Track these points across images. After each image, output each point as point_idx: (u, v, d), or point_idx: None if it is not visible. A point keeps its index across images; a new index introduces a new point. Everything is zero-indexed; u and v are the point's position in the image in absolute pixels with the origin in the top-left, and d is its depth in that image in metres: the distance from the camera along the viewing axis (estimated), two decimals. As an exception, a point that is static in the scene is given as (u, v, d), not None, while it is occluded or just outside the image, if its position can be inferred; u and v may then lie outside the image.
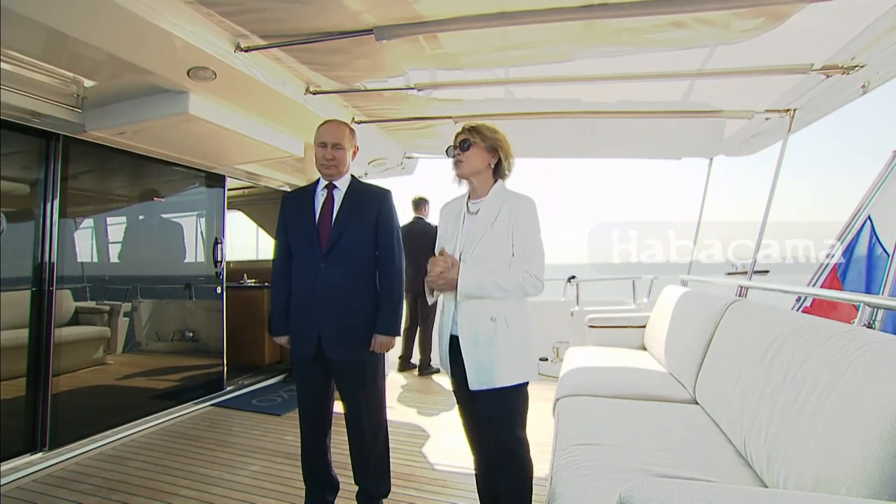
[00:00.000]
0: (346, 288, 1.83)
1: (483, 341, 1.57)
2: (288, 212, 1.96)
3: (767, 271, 3.31)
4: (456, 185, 1.76)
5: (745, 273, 2.95)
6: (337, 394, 1.95)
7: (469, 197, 1.73)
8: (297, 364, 1.93)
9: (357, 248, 1.85)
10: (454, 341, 1.64)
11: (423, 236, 4.19)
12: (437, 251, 1.74)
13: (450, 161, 1.71)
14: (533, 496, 1.61)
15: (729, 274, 3.46)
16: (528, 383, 1.62)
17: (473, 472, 1.83)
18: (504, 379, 1.55)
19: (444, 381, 4.18)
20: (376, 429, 1.93)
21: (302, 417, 1.94)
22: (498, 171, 1.69)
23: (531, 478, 1.61)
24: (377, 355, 1.92)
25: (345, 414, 1.93)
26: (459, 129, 1.70)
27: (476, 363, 1.58)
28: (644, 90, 2.63)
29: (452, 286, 1.57)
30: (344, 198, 1.90)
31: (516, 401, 1.60)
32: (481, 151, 1.65)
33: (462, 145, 1.65)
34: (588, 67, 2.34)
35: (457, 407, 1.79)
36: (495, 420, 1.59)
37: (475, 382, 1.57)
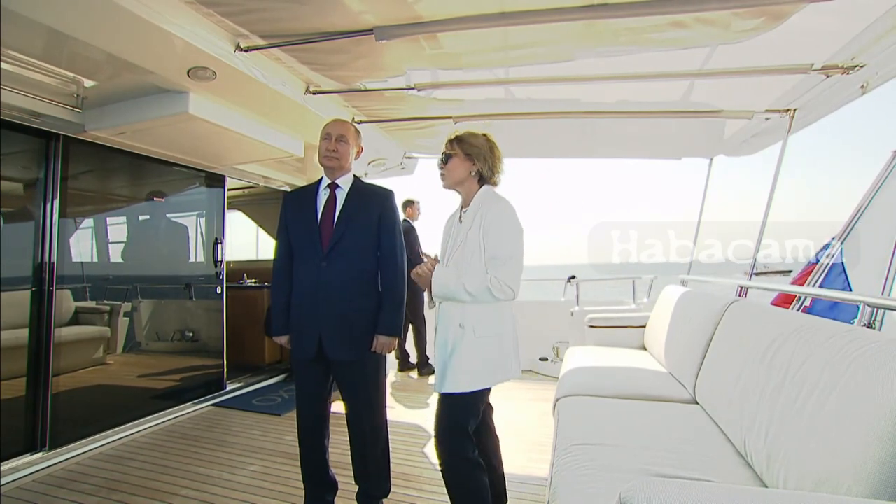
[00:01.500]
0: (347, 288, 1.83)
1: (449, 347, 1.60)
2: (290, 211, 1.95)
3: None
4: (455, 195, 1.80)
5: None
6: (337, 394, 1.94)
7: (461, 206, 1.76)
8: (297, 364, 1.92)
9: (359, 248, 1.85)
10: None
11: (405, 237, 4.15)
12: None
13: None
14: (508, 492, 1.67)
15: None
16: (488, 389, 1.64)
17: None
18: (458, 386, 1.57)
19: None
20: (377, 429, 1.92)
21: (300, 418, 1.93)
22: (483, 178, 1.71)
23: (483, 473, 1.62)
24: (378, 355, 1.92)
25: (345, 414, 1.93)
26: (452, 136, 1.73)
27: (440, 367, 1.62)
28: (644, 90, 2.63)
29: (428, 285, 1.64)
30: (346, 197, 1.90)
31: (465, 406, 1.61)
32: (461, 161, 1.68)
33: (444, 158, 1.71)
34: (588, 67, 2.34)
35: None
36: (444, 423, 1.62)
37: (437, 385, 1.63)
